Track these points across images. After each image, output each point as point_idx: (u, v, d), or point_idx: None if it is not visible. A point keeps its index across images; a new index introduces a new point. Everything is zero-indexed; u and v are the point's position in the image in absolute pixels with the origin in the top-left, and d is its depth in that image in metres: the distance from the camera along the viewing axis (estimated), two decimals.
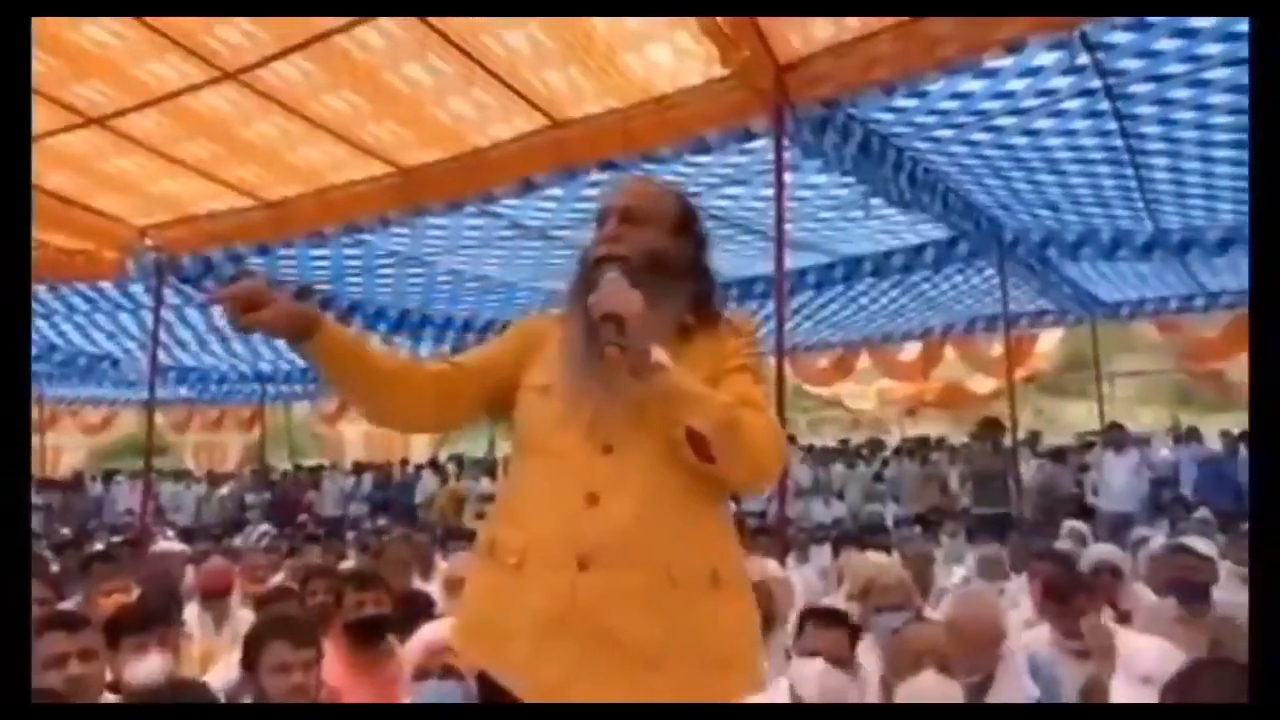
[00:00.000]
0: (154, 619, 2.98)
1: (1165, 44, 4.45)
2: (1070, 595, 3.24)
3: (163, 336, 7.80)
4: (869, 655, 3.29)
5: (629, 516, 1.59)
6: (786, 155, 5.07)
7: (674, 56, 4.78)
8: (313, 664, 2.56)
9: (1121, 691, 2.79)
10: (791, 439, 12.25)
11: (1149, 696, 2.06)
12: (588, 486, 1.62)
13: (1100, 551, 4.53)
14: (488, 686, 1.67)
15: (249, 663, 2.59)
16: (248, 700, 2.66)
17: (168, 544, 6.85)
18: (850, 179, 6.05)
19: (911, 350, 12.86)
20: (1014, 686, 2.81)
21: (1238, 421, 12.72)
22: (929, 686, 2.47)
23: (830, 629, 2.80)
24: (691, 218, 1.85)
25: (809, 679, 2.40)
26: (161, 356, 8.24)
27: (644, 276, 1.67)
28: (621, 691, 1.53)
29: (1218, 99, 5.01)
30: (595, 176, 5.67)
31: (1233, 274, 9.45)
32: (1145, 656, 2.92)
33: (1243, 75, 4.69)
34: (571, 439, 1.67)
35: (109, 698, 2.62)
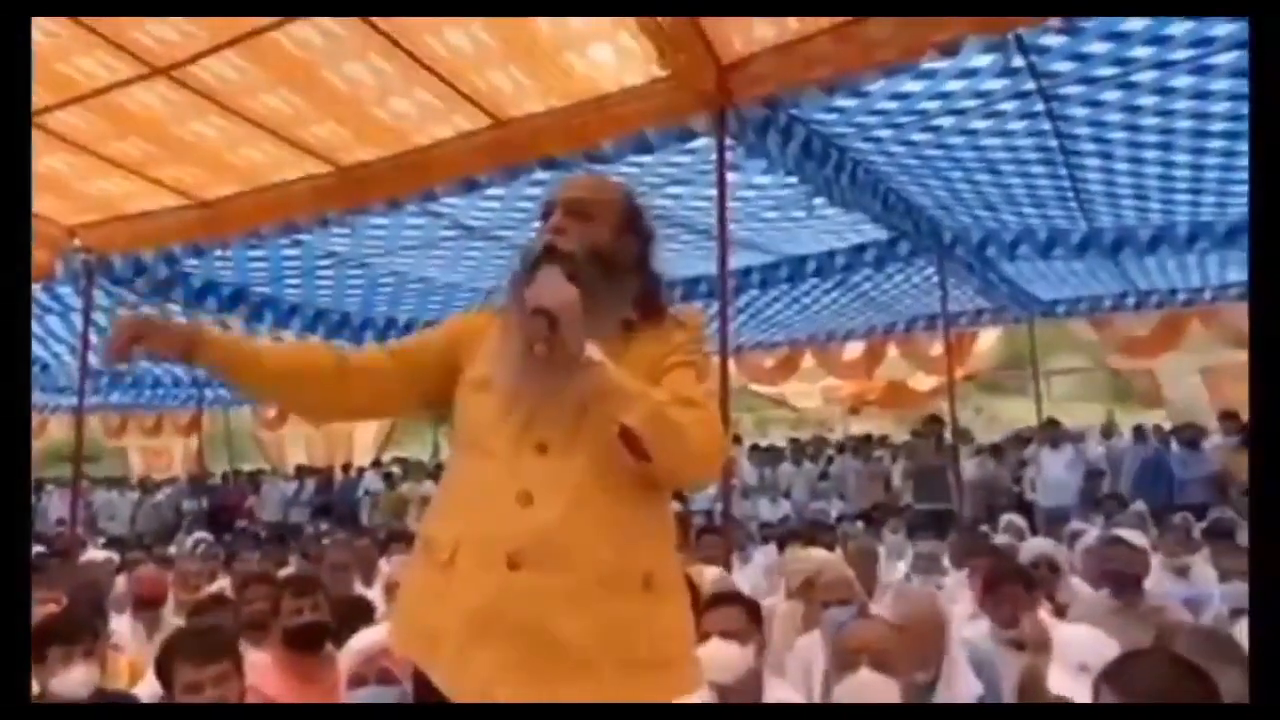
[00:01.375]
0: (80, 630, 2.89)
1: (1096, 47, 4.53)
2: (1009, 589, 3.29)
3: (94, 340, 7.54)
4: (815, 650, 3.31)
5: (560, 517, 1.57)
6: (731, 155, 5.07)
7: (616, 56, 4.76)
8: (228, 676, 2.46)
9: (1059, 681, 2.83)
10: (737, 439, 12.31)
11: (1085, 684, 2.09)
12: (521, 486, 1.60)
13: (1037, 546, 4.63)
14: (423, 687, 1.64)
15: (164, 684, 2.50)
16: None
17: (95, 553, 6.67)
18: (793, 179, 6.08)
19: (855, 349, 13.00)
20: (961, 684, 2.84)
21: (1169, 417, 13.06)
22: (865, 684, 2.48)
23: (723, 607, 2.80)
24: (638, 214, 1.84)
25: (706, 658, 2.38)
26: (93, 360, 7.97)
27: (588, 272, 1.65)
28: (549, 692, 1.51)
29: (1145, 101, 5.12)
30: (538, 176, 5.63)
31: (1161, 273, 9.70)
32: (1079, 646, 2.97)
33: (1170, 78, 4.81)
34: (506, 437, 1.65)
35: None
